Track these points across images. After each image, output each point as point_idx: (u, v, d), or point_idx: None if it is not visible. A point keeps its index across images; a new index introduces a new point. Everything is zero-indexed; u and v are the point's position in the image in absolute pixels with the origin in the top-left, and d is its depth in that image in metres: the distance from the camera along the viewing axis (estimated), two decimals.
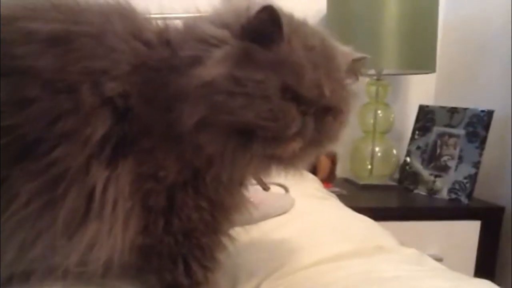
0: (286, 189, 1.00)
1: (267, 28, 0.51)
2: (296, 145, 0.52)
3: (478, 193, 1.58)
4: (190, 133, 0.51)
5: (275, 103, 0.50)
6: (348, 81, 0.59)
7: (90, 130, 0.49)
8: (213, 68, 0.49)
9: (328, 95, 0.52)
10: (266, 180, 0.72)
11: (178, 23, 0.58)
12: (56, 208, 0.48)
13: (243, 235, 0.75)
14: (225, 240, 0.58)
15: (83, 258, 0.51)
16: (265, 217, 0.82)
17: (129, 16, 0.56)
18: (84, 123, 0.49)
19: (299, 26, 0.55)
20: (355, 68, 0.60)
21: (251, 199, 0.83)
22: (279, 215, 0.85)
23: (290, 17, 0.55)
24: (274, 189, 0.99)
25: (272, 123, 0.50)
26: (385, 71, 1.74)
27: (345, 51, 0.60)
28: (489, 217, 1.52)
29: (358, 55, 0.62)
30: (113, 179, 0.50)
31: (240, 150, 0.51)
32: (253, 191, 0.89)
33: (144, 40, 0.54)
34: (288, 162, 0.55)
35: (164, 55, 0.53)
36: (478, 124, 1.58)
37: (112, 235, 0.51)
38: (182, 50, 0.52)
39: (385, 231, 0.85)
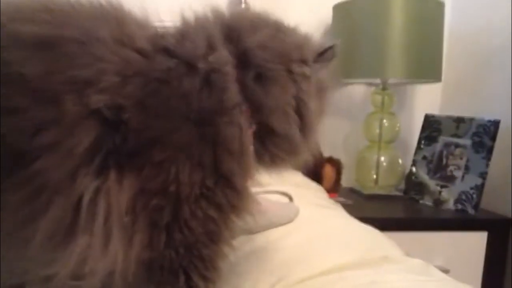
0: (290, 198, 0.99)
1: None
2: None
3: (485, 204, 1.57)
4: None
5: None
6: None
7: (73, 141, 0.47)
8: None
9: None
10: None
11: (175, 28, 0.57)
12: (38, 220, 0.46)
13: (247, 244, 0.75)
14: (226, 249, 0.57)
15: (76, 272, 0.49)
16: (269, 226, 0.82)
17: (118, 21, 0.53)
18: (67, 134, 0.47)
19: None
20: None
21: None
22: (284, 224, 0.84)
23: None
24: (278, 198, 0.98)
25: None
26: (390, 81, 1.73)
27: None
28: (496, 228, 1.50)
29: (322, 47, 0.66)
30: (103, 191, 0.48)
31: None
32: (257, 200, 0.89)
33: (137, 48, 0.52)
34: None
35: (167, 65, 0.51)
36: (485, 134, 1.57)
37: (109, 250, 0.48)
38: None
39: (391, 241, 0.83)
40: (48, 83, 0.47)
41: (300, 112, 0.58)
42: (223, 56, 0.54)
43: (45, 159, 0.46)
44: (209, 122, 0.51)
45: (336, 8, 1.71)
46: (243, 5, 1.69)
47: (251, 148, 0.55)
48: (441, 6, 1.63)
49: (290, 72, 0.57)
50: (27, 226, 0.47)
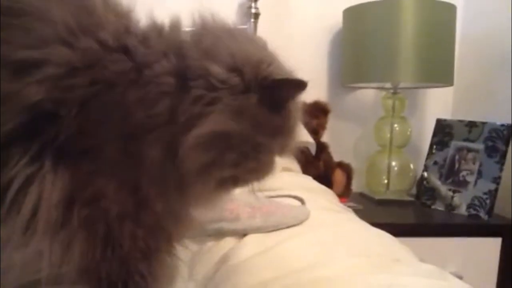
0: (302, 201, 0.98)
1: (287, 97, 0.51)
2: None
3: (498, 209, 1.55)
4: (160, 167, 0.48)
5: (265, 161, 0.52)
6: None
7: None
8: (217, 121, 0.47)
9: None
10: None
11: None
12: None
13: (260, 243, 0.74)
14: (165, 259, 0.54)
15: None
16: (277, 226, 0.82)
17: (88, 8, 0.49)
18: None
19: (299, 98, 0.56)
20: None
21: (262, 209, 0.83)
22: (293, 226, 0.83)
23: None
24: (290, 201, 0.98)
25: (256, 175, 0.53)
26: (401, 85, 1.72)
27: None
28: (510, 234, 1.47)
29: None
30: (36, 181, 0.45)
31: (212, 190, 0.53)
32: (268, 202, 0.88)
33: (99, 39, 0.47)
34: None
35: (122, 67, 0.47)
36: (498, 139, 1.55)
37: (30, 245, 0.46)
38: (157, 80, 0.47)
39: (404, 246, 0.82)
40: None
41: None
42: (165, 67, 0.48)
43: None
44: (136, 137, 0.47)
45: (346, 12, 1.70)
46: (253, 10, 1.70)
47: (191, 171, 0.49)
48: (453, 9, 1.61)
49: (206, 71, 0.48)
50: None
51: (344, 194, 1.64)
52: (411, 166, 1.77)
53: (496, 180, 1.51)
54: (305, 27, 1.82)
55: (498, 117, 1.60)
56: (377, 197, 1.72)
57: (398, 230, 1.04)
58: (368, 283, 0.60)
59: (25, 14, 0.46)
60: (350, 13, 1.68)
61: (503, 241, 1.46)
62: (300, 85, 0.50)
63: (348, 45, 1.71)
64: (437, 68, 1.60)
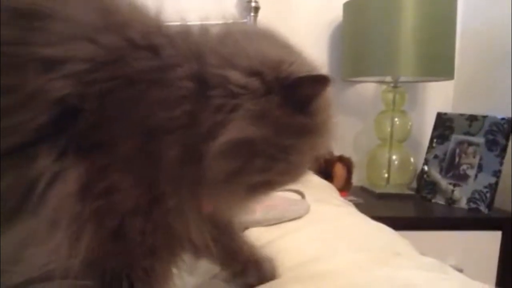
0: (302, 195, 0.98)
1: (311, 95, 0.48)
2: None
3: (499, 203, 1.55)
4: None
5: (296, 162, 0.49)
6: None
7: (27, 114, 0.45)
8: (246, 126, 0.46)
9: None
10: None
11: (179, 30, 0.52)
12: None
13: (256, 238, 0.74)
14: (170, 259, 0.54)
15: (15, 256, 0.47)
16: (278, 220, 0.82)
17: (110, 7, 0.50)
18: (23, 105, 0.45)
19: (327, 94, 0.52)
20: None
21: (263, 203, 0.83)
22: (293, 219, 0.83)
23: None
24: (291, 195, 0.98)
25: (290, 177, 0.51)
26: (402, 78, 1.72)
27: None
28: (511, 227, 1.48)
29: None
30: (61, 175, 0.46)
31: (245, 196, 0.51)
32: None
33: (126, 36, 0.48)
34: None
35: (147, 65, 0.47)
36: (498, 132, 1.55)
37: (52, 239, 0.46)
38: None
39: (404, 240, 0.82)
40: (16, 52, 0.45)
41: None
42: (186, 72, 0.48)
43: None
44: (154, 136, 0.47)
45: (347, 5, 1.69)
46: (253, 4, 1.69)
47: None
48: (454, 2, 1.61)
49: (226, 79, 0.47)
50: None
51: (345, 188, 1.64)
52: (412, 160, 1.77)
53: (496, 173, 1.51)
54: (305, 21, 1.81)
55: (499, 111, 1.60)
56: (377, 191, 1.73)
57: (398, 223, 1.05)
58: (368, 277, 0.60)
59: (47, 17, 0.47)
60: (350, 7, 1.68)
61: (503, 235, 1.47)
62: (322, 80, 0.48)
63: (348, 39, 1.70)
64: (438, 62, 1.59)
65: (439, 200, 1.63)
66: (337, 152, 1.71)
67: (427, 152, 1.75)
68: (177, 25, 0.53)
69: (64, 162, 0.46)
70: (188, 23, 0.54)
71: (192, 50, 0.50)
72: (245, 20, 1.66)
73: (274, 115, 0.47)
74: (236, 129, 0.46)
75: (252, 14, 1.69)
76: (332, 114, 0.52)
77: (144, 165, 0.48)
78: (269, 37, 0.54)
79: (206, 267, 0.71)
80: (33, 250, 0.47)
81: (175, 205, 0.50)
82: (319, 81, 0.48)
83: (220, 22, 0.56)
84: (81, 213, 0.47)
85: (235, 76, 0.47)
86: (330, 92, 0.52)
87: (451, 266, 0.71)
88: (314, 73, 0.48)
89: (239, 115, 0.47)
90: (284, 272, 0.65)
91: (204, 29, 0.53)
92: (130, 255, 0.51)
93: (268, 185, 0.51)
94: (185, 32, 0.52)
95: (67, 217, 0.47)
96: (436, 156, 1.71)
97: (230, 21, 0.56)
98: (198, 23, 0.55)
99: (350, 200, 1.38)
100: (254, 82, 0.47)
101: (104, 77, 0.46)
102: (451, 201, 1.60)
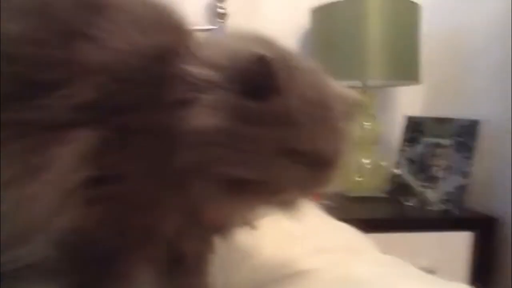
0: None
1: (261, 80, 0.47)
2: (288, 195, 0.51)
3: (472, 203, 1.57)
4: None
5: (268, 159, 0.47)
6: (345, 125, 0.53)
7: (71, 91, 0.47)
8: (205, 117, 0.46)
9: (324, 148, 0.50)
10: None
11: None
12: None
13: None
14: (163, 247, 0.55)
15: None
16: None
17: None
18: (71, 83, 0.47)
19: (298, 75, 0.50)
20: (351, 111, 0.56)
21: None
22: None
23: (289, 62, 0.51)
24: None
25: (264, 178, 0.47)
26: (371, 83, 1.73)
27: (342, 95, 0.56)
28: (482, 228, 1.49)
29: (354, 96, 0.58)
30: (74, 142, 0.46)
31: (228, 200, 0.50)
32: None
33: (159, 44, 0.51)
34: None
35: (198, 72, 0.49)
36: (466, 134, 1.57)
37: (37, 183, 0.46)
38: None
39: (366, 239, 0.82)
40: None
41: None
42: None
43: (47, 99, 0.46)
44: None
45: (314, 12, 1.71)
46: (219, 10, 1.69)
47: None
48: (416, 7, 1.64)
49: (186, 75, 0.49)
50: None
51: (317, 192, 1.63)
52: (383, 163, 1.78)
53: (466, 175, 1.53)
54: (273, 27, 1.80)
55: (467, 113, 1.63)
56: (351, 194, 1.73)
57: (372, 225, 1.05)
58: (325, 276, 0.60)
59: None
60: (318, 13, 1.69)
61: (475, 235, 1.48)
62: (263, 61, 0.46)
63: (317, 45, 1.71)
64: (404, 66, 1.62)
65: (412, 202, 1.64)
66: None
67: (398, 155, 1.76)
68: None
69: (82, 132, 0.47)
70: None
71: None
72: (214, 27, 1.65)
73: (234, 105, 0.47)
74: (198, 120, 0.46)
75: (219, 20, 1.69)
76: (319, 105, 0.49)
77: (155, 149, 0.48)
78: (247, 37, 0.55)
79: None
80: (13, 191, 0.45)
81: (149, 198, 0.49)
82: (260, 63, 0.46)
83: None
84: (79, 182, 0.47)
85: (194, 70, 0.48)
86: (312, 80, 0.51)
87: (424, 267, 0.71)
88: (254, 55, 0.47)
89: (200, 106, 0.47)
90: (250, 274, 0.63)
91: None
92: (123, 236, 0.50)
93: (251, 185, 0.48)
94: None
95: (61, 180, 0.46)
96: (407, 159, 1.72)
97: (196, 27, 0.57)
98: None
99: (323, 204, 1.37)
100: (213, 74, 0.48)
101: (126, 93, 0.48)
102: (423, 203, 1.61)
